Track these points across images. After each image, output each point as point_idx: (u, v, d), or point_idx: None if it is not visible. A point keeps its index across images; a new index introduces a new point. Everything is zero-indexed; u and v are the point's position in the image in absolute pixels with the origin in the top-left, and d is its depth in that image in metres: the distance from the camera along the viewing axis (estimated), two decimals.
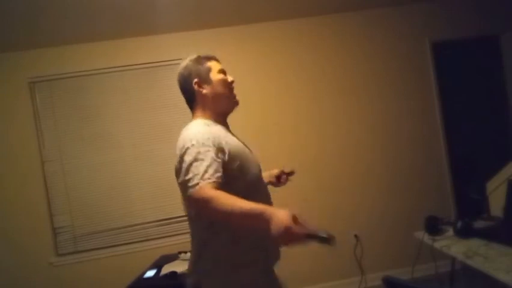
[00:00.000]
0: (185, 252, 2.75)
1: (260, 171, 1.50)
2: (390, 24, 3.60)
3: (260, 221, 1.08)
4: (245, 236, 1.32)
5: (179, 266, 2.49)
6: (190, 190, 1.19)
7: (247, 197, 1.27)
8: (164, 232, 3.32)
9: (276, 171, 1.77)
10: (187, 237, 3.60)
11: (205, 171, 1.20)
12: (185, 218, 3.35)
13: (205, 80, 1.47)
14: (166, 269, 2.46)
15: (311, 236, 1.04)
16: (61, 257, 3.24)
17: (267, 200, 1.47)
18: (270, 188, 1.69)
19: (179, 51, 3.36)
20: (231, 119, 1.57)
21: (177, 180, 1.33)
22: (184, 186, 1.25)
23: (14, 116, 3.26)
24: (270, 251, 1.40)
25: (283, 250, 1.38)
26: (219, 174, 1.22)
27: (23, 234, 3.21)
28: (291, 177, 1.80)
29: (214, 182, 1.19)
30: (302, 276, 3.36)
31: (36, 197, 3.24)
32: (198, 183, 1.18)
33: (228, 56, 3.42)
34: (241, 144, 1.44)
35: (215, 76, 1.48)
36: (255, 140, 3.25)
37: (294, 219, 1.05)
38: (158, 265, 2.60)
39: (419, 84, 3.61)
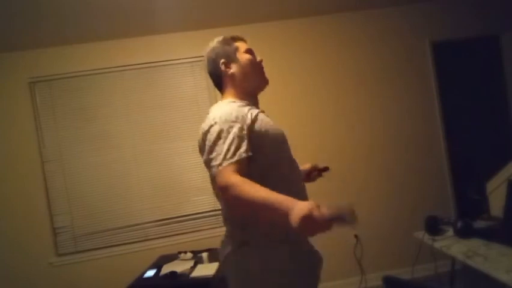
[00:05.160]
0: (185, 252, 2.76)
1: (288, 146, 1.44)
2: (390, 24, 3.60)
3: (279, 213, 1.04)
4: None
5: (179, 266, 2.50)
6: (213, 170, 1.19)
7: (277, 170, 1.27)
8: (164, 232, 3.32)
9: (307, 166, 1.70)
10: (187, 237, 3.63)
11: (228, 150, 1.18)
12: (184, 218, 3.36)
13: (232, 59, 1.45)
14: (166, 269, 2.46)
15: (334, 220, 0.99)
16: (61, 257, 3.24)
17: (297, 175, 1.43)
18: None
19: (179, 51, 3.36)
20: None
21: (202, 158, 1.32)
22: (207, 165, 1.25)
23: (14, 116, 3.26)
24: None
25: None
26: (242, 149, 1.20)
27: (23, 234, 3.21)
28: (325, 174, 1.71)
29: (236, 161, 1.17)
30: None
31: (36, 197, 3.24)
32: (220, 163, 1.17)
33: None
34: (268, 118, 1.40)
35: (242, 56, 1.46)
36: None
37: (316, 208, 1.00)
38: (158, 265, 2.61)
39: (419, 84, 3.60)
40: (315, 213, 0.99)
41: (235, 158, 1.17)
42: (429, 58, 3.61)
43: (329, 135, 3.50)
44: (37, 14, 2.66)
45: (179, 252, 2.78)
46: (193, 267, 2.46)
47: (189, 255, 2.72)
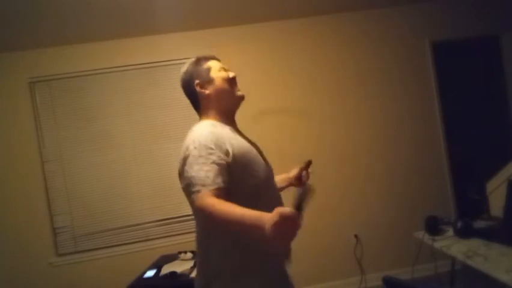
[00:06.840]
0: (185, 252, 2.76)
1: (270, 173, 1.45)
2: (390, 24, 3.60)
3: (256, 229, 1.04)
4: (244, 244, 1.27)
5: (179, 266, 2.50)
6: (192, 196, 1.18)
7: (254, 200, 1.24)
8: (164, 232, 3.32)
9: (294, 172, 1.68)
10: (187, 237, 3.63)
11: (206, 177, 1.18)
12: (185, 218, 3.36)
13: (206, 80, 1.45)
14: (166, 269, 2.46)
15: (299, 207, 1.02)
16: (61, 257, 3.24)
17: (276, 204, 1.43)
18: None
19: (179, 51, 3.36)
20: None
21: (180, 183, 1.31)
22: (186, 191, 1.24)
23: (14, 116, 3.26)
24: (272, 256, 1.34)
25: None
26: (220, 179, 1.19)
27: (23, 234, 3.21)
28: (311, 170, 1.68)
29: (214, 188, 1.16)
30: (302, 276, 3.33)
31: (36, 197, 3.24)
32: (199, 190, 1.16)
33: (228, 56, 3.42)
34: (248, 146, 1.39)
35: (215, 74, 1.46)
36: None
37: (281, 211, 1.01)
38: (158, 265, 2.61)
39: (419, 85, 3.60)
40: (282, 213, 0.99)
41: (213, 186, 1.17)
42: (429, 58, 3.61)
43: (329, 135, 3.50)
44: (37, 14, 2.66)
45: (180, 252, 2.78)
46: (193, 267, 2.45)
47: (189, 255, 2.72)
